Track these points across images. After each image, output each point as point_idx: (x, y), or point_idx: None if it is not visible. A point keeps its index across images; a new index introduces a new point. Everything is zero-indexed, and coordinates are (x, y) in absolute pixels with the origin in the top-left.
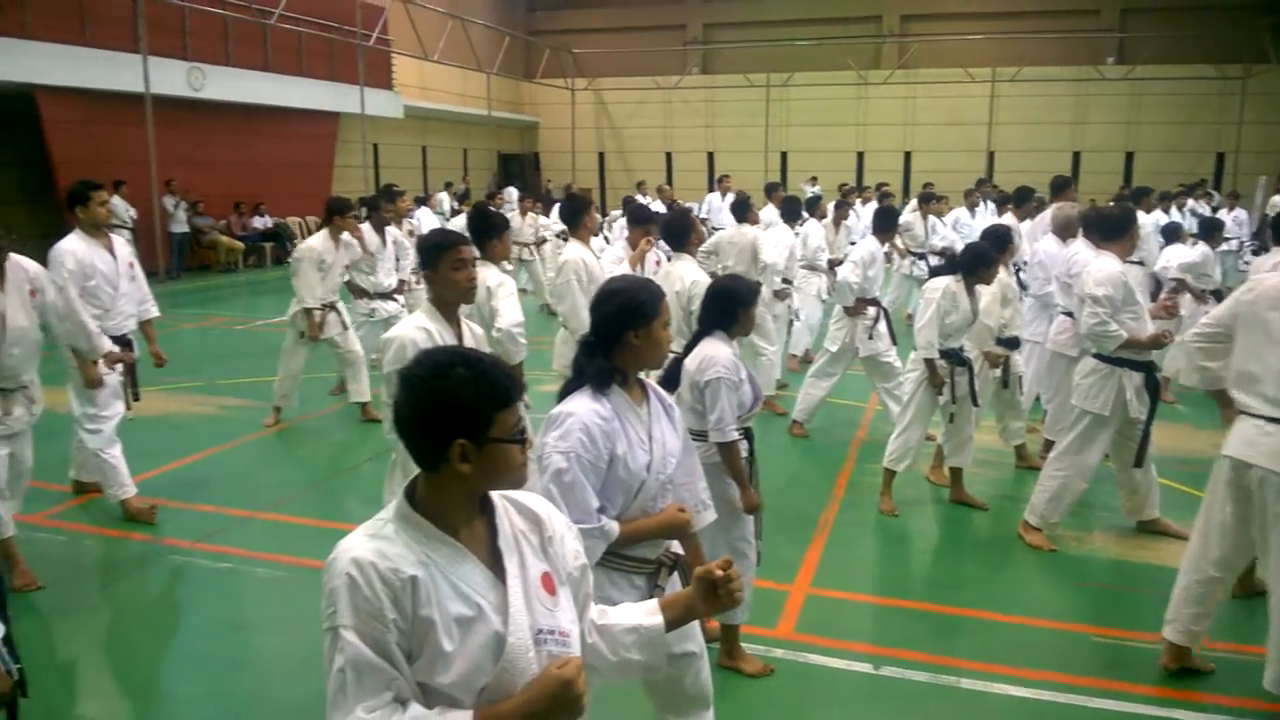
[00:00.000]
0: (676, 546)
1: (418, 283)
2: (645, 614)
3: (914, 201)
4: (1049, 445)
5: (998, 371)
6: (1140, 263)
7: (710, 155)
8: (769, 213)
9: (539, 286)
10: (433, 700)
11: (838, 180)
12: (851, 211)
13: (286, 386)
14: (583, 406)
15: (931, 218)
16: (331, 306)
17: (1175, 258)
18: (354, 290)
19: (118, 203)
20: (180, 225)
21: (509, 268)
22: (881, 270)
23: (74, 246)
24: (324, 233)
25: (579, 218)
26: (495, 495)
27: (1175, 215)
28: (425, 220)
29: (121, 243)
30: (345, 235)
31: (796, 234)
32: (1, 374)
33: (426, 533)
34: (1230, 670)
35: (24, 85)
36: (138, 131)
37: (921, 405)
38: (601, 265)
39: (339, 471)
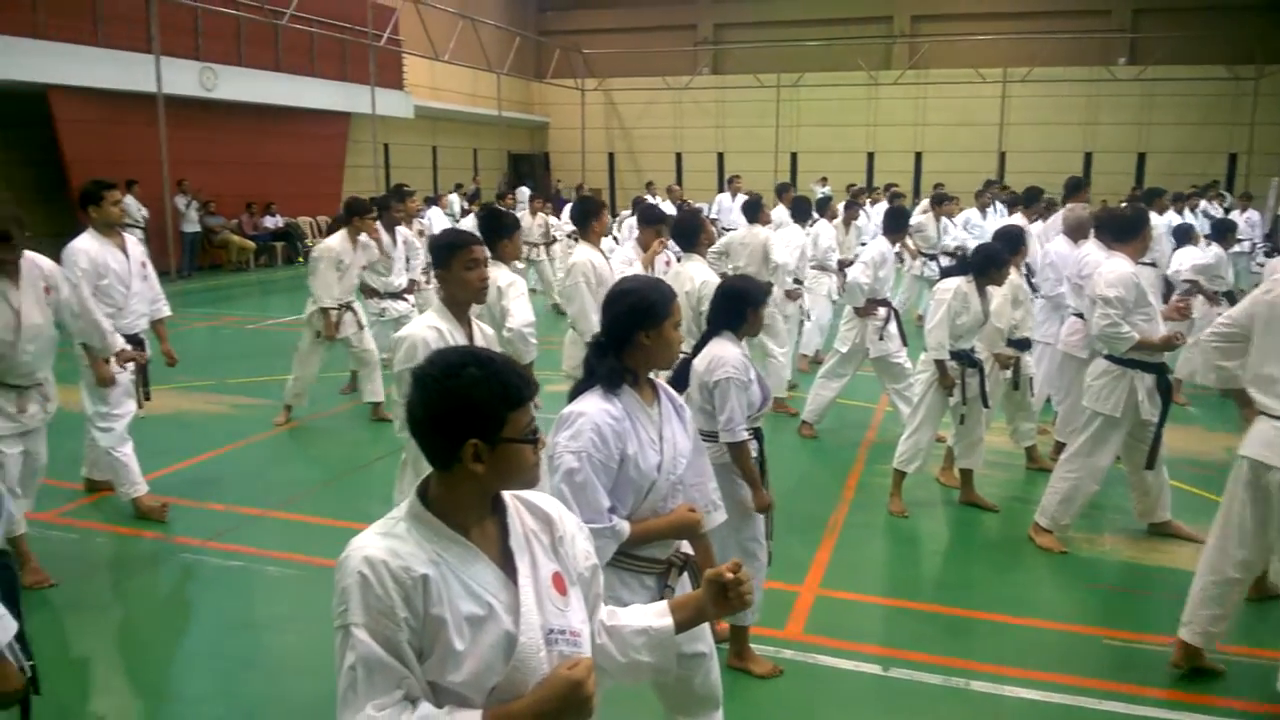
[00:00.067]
0: (686, 547)
1: (428, 283)
2: (655, 616)
3: (925, 202)
4: (1060, 447)
5: (1008, 373)
6: (1152, 264)
7: (720, 156)
8: (779, 213)
9: (548, 286)
10: (443, 699)
11: (848, 181)
12: (862, 212)
13: (300, 386)
14: (594, 406)
15: (943, 219)
16: (348, 306)
17: (1187, 260)
18: (364, 290)
19: (130, 202)
20: (192, 225)
21: (519, 267)
22: (892, 271)
23: (87, 246)
24: (342, 233)
25: (590, 219)
26: (507, 495)
27: (1188, 217)
28: (436, 220)
29: (134, 242)
30: (363, 236)
31: (806, 234)
32: (16, 371)
33: (438, 532)
34: (1243, 674)
35: (37, 85)
36: (150, 131)
37: (932, 407)
38: (611, 266)
39: (350, 470)
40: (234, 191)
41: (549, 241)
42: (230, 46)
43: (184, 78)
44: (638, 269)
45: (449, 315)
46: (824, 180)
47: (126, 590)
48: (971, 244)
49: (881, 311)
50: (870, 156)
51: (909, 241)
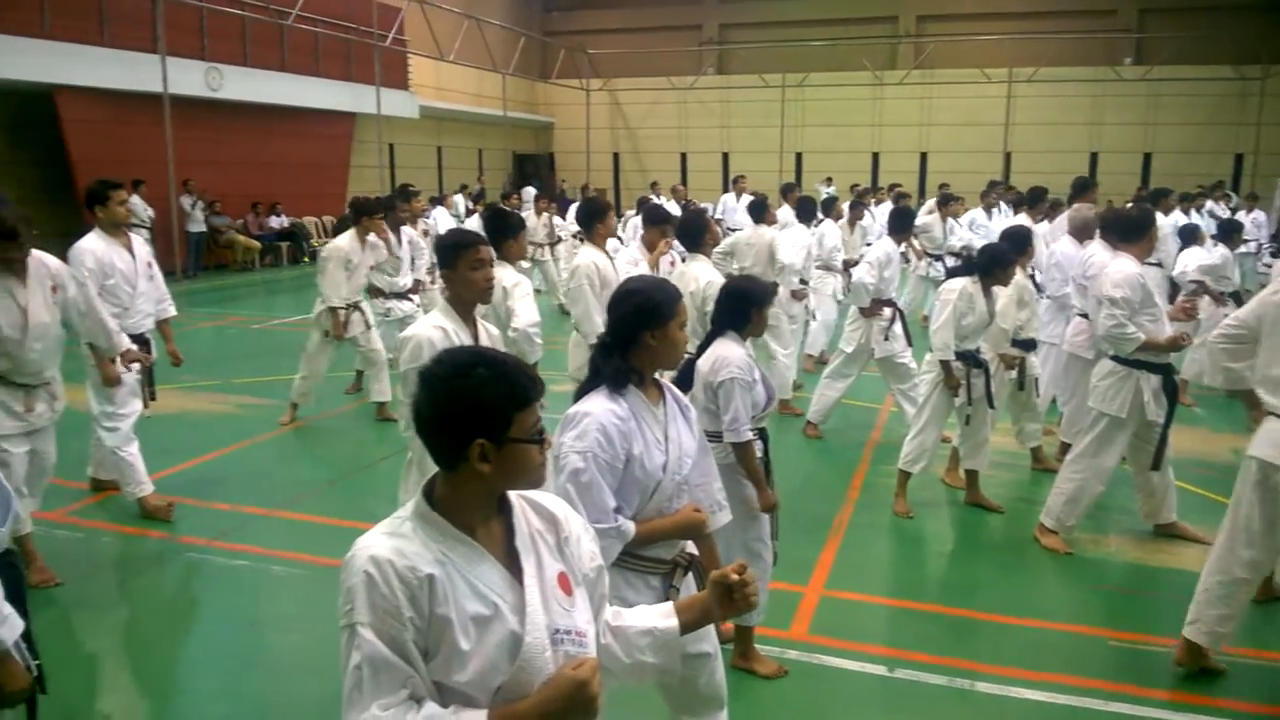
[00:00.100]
0: (692, 547)
1: (433, 283)
2: (660, 617)
3: (931, 203)
4: (1065, 448)
5: (1013, 373)
6: (1158, 264)
7: (725, 156)
8: (784, 213)
9: (553, 286)
10: (448, 699)
11: (853, 181)
12: (867, 212)
13: (307, 385)
14: (599, 406)
15: (949, 219)
16: (356, 306)
17: (1193, 260)
18: (370, 290)
19: (136, 202)
20: (197, 224)
21: (524, 267)
22: (897, 271)
23: (93, 245)
24: (351, 233)
25: (594, 221)
26: (512, 495)
27: (1194, 217)
28: (441, 220)
29: (140, 242)
30: (371, 236)
31: (811, 235)
32: (24, 370)
33: (444, 531)
34: (1249, 675)
35: (43, 85)
36: (156, 131)
37: (937, 407)
38: (617, 266)
39: (355, 470)
40: (239, 191)
41: (554, 242)
42: (236, 46)
43: (190, 78)
44: (643, 269)
45: (454, 315)
46: (829, 180)
47: (132, 589)
48: (977, 244)
49: (887, 312)
50: (875, 157)
51: (915, 242)
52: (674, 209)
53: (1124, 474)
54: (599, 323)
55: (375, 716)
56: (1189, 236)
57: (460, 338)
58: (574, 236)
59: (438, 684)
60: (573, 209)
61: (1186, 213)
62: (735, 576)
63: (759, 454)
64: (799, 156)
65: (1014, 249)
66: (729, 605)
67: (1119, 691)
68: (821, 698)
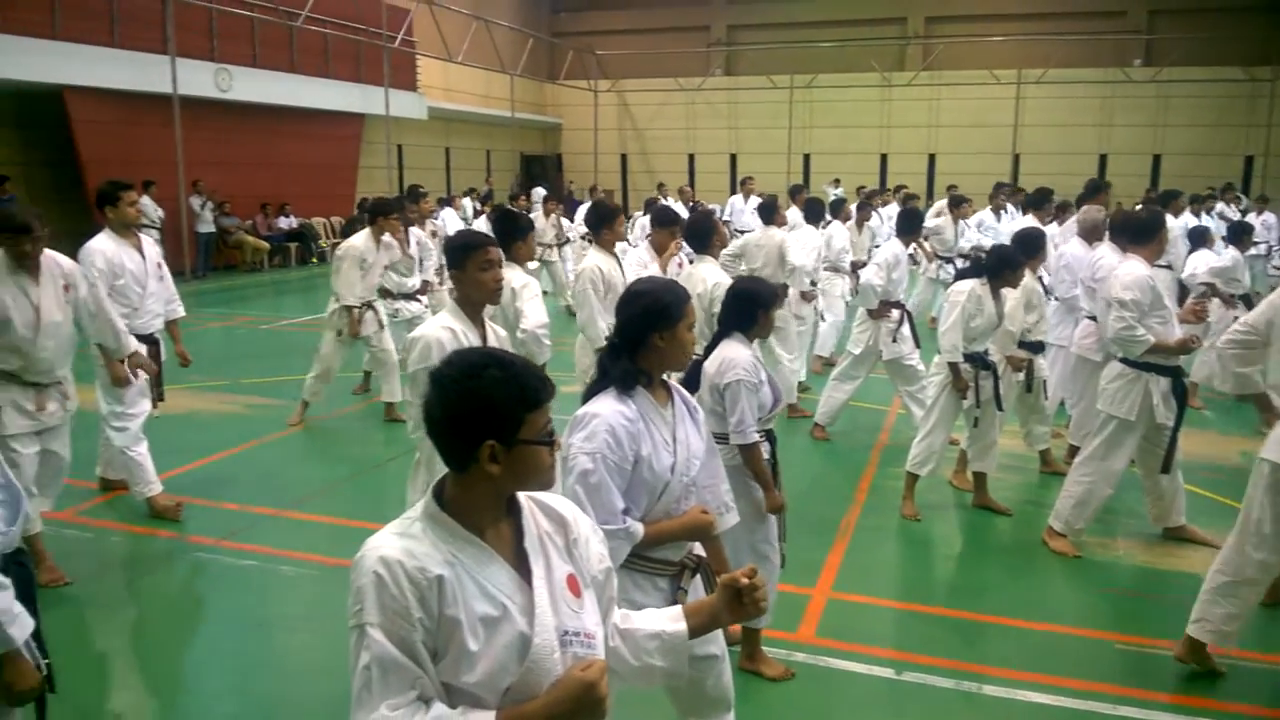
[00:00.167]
0: (699, 549)
1: (441, 284)
2: (669, 620)
3: (941, 204)
4: (1074, 450)
5: (1020, 376)
6: (1168, 266)
7: (733, 157)
8: (792, 215)
9: (560, 288)
10: (457, 700)
11: (861, 183)
12: (875, 213)
13: (319, 384)
14: (608, 408)
15: (960, 221)
16: (369, 305)
17: (1202, 263)
18: (379, 291)
19: (147, 203)
20: (207, 225)
21: (532, 268)
22: (905, 273)
23: (103, 246)
24: (366, 232)
25: (603, 225)
26: (521, 497)
27: (1204, 219)
28: (449, 221)
29: (150, 243)
30: (386, 236)
31: (820, 236)
32: (36, 368)
33: (453, 532)
34: (1256, 678)
35: (54, 86)
36: (165, 132)
37: (945, 409)
38: (625, 268)
39: (362, 470)
40: (248, 192)
41: (561, 243)
42: (245, 48)
43: (199, 79)
44: (653, 270)
45: (463, 316)
46: (837, 182)
47: (140, 589)
48: (987, 244)
49: (895, 314)
50: (884, 158)
51: (925, 244)
52: (681, 210)
53: (1132, 477)
54: (602, 328)
55: (384, 717)
56: (1199, 239)
57: (468, 339)
58: (582, 238)
59: (446, 685)
60: (581, 210)
61: (1197, 215)
62: (745, 581)
63: (766, 456)
64: (807, 158)
65: (1025, 251)
66: (738, 610)
67: (1126, 695)
68: (828, 700)
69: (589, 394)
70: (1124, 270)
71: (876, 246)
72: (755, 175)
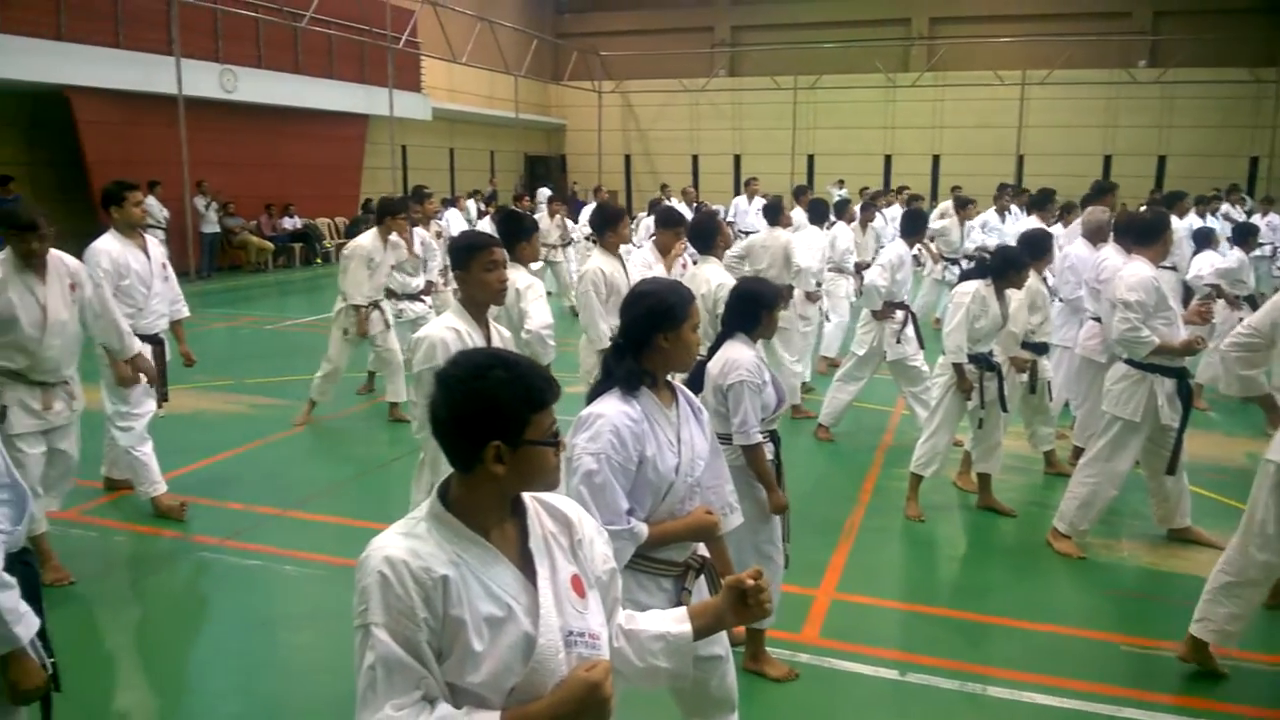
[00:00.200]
0: (704, 549)
1: (445, 284)
2: (673, 621)
3: (946, 205)
4: (1078, 451)
5: (1024, 377)
6: (1173, 268)
7: (737, 158)
8: (796, 216)
9: (564, 288)
10: (461, 700)
11: (865, 184)
12: (879, 214)
13: (327, 383)
14: (613, 408)
15: (966, 222)
16: (376, 305)
17: (1207, 264)
18: (383, 291)
19: (152, 203)
20: (211, 225)
21: (535, 268)
22: (910, 274)
23: (109, 246)
24: (374, 231)
25: (607, 229)
26: (526, 497)
27: (1209, 220)
28: (454, 222)
29: (155, 243)
30: (393, 236)
31: (825, 236)
32: (42, 367)
33: (458, 533)
34: (1261, 680)
35: (58, 86)
36: (170, 132)
37: (950, 410)
38: (629, 269)
39: (366, 470)
40: (253, 193)
41: (565, 243)
42: (250, 49)
43: (204, 79)
44: (658, 271)
45: (467, 316)
46: (840, 183)
47: (145, 588)
48: (991, 244)
49: (899, 314)
50: (888, 159)
51: (931, 245)
52: (685, 211)
53: (1137, 478)
54: (603, 330)
55: (389, 717)
56: (1204, 240)
57: (473, 339)
58: (587, 239)
59: (451, 685)
60: (585, 211)
61: (1202, 216)
62: (750, 582)
63: (770, 456)
64: (811, 159)
65: (1031, 253)
66: (743, 612)
67: (1131, 697)
68: (832, 701)
69: (593, 394)
70: (1129, 271)
71: (880, 247)
72: (759, 176)
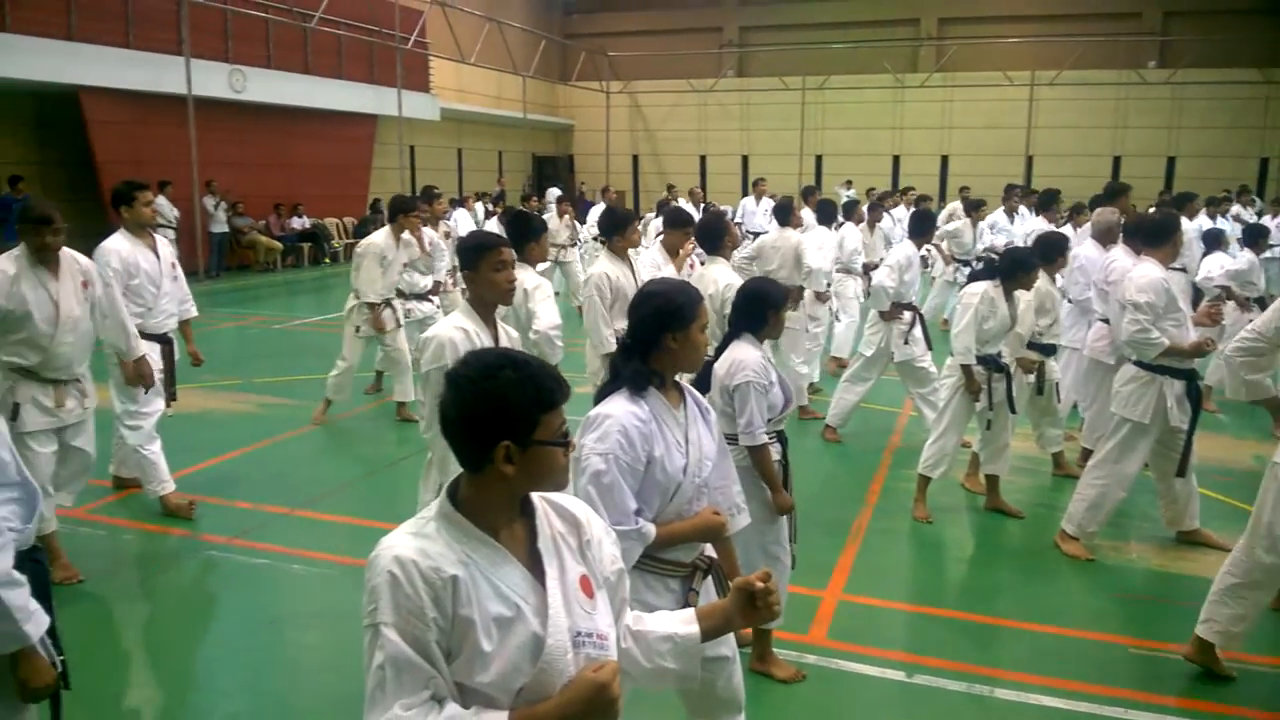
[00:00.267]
0: (711, 550)
1: (454, 284)
2: (681, 623)
3: (956, 207)
4: (1086, 453)
5: (1031, 378)
6: (1183, 269)
7: (745, 158)
8: (805, 216)
9: (573, 289)
10: (470, 700)
11: (874, 185)
12: (887, 215)
13: (342, 381)
14: (621, 409)
15: (979, 224)
16: (388, 303)
17: (1216, 266)
18: None
19: (162, 203)
20: (220, 225)
21: (543, 268)
22: (918, 275)
23: (118, 246)
24: (386, 229)
25: (615, 233)
26: (535, 497)
27: (1220, 222)
28: (462, 222)
29: (164, 243)
30: (405, 234)
31: (834, 237)
32: (55, 363)
33: (467, 533)
34: (1267, 684)
35: (69, 86)
36: (180, 132)
37: (958, 411)
38: (638, 269)
39: (374, 470)
40: (262, 192)
41: (574, 244)
42: (259, 49)
43: (213, 79)
44: (667, 272)
45: (475, 316)
46: (849, 183)
47: (153, 586)
48: (1000, 244)
49: (906, 315)
50: (896, 160)
51: (943, 247)
52: (692, 211)
53: (1145, 480)
54: (606, 335)
55: (397, 716)
56: (1214, 241)
57: (481, 339)
58: (594, 239)
59: (459, 685)
60: (593, 212)
61: (1212, 217)
62: (759, 585)
63: (777, 457)
64: (819, 159)
65: (1045, 255)
66: (751, 614)
67: (1139, 699)
68: (839, 703)
69: (601, 395)
70: (1138, 273)
71: (888, 248)
72: (767, 177)
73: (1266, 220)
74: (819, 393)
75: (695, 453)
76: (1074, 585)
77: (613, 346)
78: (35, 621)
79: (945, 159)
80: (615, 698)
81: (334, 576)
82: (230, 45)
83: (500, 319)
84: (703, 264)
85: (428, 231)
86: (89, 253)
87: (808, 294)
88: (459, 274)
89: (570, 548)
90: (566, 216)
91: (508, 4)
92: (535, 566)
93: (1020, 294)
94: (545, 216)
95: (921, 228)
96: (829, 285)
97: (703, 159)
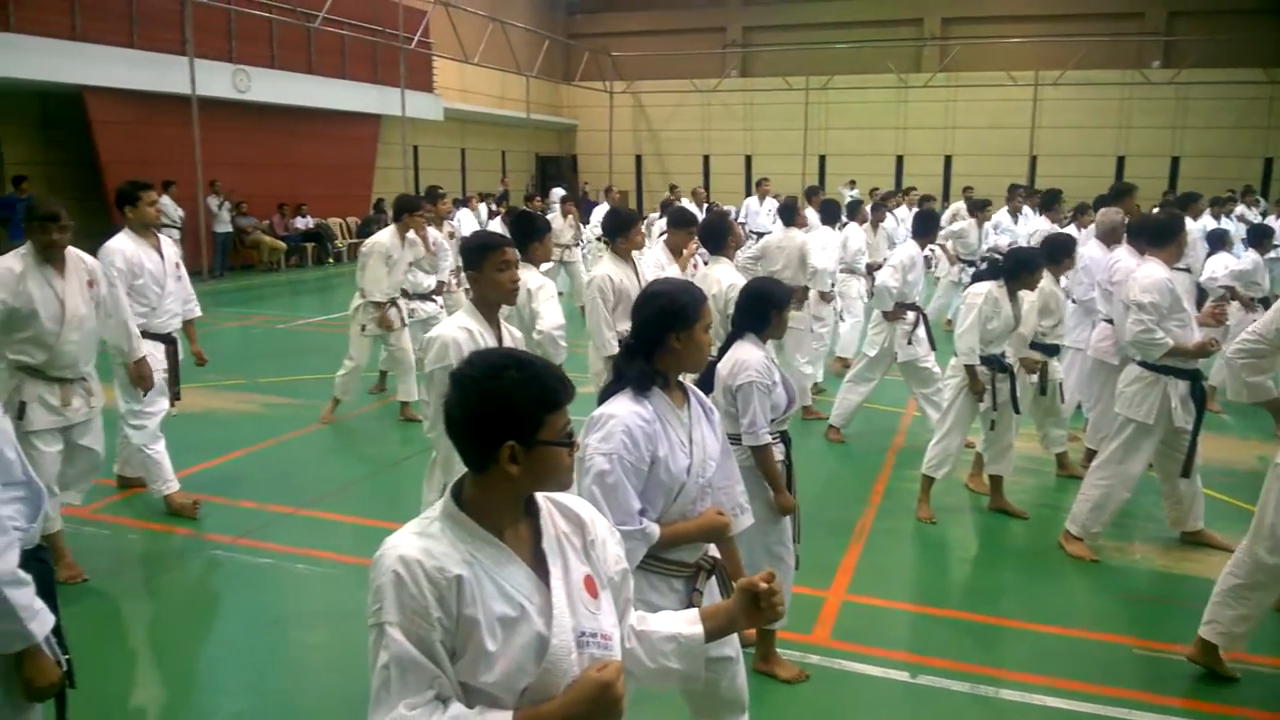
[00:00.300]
0: (714, 550)
1: (457, 284)
2: (685, 623)
3: (960, 207)
4: (1091, 454)
5: (1034, 378)
6: (1187, 269)
7: (748, 158)
8: (809, 216)
9: (577, 289)
10: (474, 700)
11: (878, 184)
12: (890, 215)
13: (350, 380)
14: (624, 409)
15: (985, 224)
16: (393, 302)
17: (1221, 266)
18: None
19: (167, 203)
20: (224, 225)
21: (546, 268)
22: (921, 275)
23: (123, 246)
24: (392, 228)
25: (619, 234)
26: (540, 497)
27: (1224, 222)
28: (466, 222)
29: (169, 243)
30: (410, 233)
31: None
32: (60, 362)
33: (472, 532)
34: (1272, 685)
35: (73, 86)
36: (184, 132)
37: (961, 412)
38: (642, 270)
39: (378, 470)
40: (266, 192)
41: (578, 244)
42: (263, 49)
43: (217, 79)
44: (671, 271)
45: (479, 316)
46: (852, 183)
47: (158, 586)
48: (1004, 244)
49: (910, 315)
50: (899, 160)
51: (948, 247)
52: (695, 211)
53: (1150, 481)
54: (608, 337)
55: (402, 716)
56: (1217, 241)
57: (485, 339)
58: (597, 239)
59: (464, 685)
60: (596, 212)
61: (1216, 217)
62: (763, 585)
63: (780, 457)
64: (822, 159)
65: (1051, 256)
66: (755, 615)
67: (1142, 700)
68: (843, 703)
69: (605, 395)
70: (1143, 273)
71: (892, 248)
72: (770, 177)
73: (1271, 220)
74: (823, 393)
75: (699, 453)
76: (1078, 586)
77: (615, 349)
78: (40, 620)
79: (949, 159)
80: (619, 697)
81: (338, 576)
82: (234, 45)
83: (504, 319)
84: (706, 264)
85: (432, 231)
86: (93, 253)
87: (813, 294)
88: (463, 274)
89: (575, 548)
90: (571, 216)
91: (511, 4)
92: (540, 566)
93: (1024, 294)
94: (550, 216)
95: (925, 228)
96: (834, 285)
97: (706, 159)
